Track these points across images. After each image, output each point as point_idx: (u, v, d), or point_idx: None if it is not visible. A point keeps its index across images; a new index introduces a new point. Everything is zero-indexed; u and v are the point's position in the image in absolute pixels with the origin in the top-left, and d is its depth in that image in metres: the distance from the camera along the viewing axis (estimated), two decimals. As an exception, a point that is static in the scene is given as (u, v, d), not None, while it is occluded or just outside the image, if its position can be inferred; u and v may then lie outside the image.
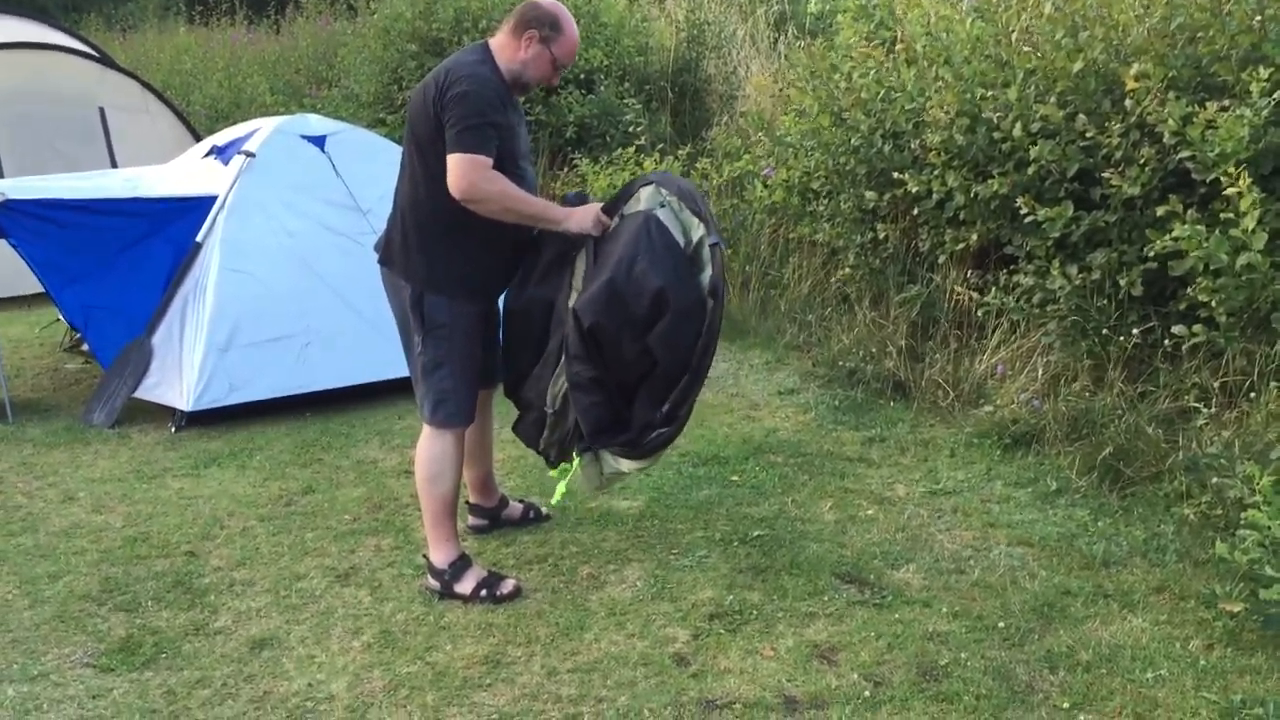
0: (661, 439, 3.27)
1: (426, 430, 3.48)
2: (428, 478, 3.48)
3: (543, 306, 3.44)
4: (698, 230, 3.30)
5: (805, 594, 3.52)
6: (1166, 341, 4.41)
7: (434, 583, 3.55)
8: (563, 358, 3.34)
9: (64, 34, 9.23)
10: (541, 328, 3.46)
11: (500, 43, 3.40)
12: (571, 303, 3.32)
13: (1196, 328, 4.16)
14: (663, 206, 3.34)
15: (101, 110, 8.26)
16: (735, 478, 4.50)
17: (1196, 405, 4.16)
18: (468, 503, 4.00)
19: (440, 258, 3.36)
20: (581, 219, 3.37)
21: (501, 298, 3.58)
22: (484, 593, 3.49)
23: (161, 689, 3.07)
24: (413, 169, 3.39)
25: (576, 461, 3.46)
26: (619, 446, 3.30)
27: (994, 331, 5.20)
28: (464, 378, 3.43)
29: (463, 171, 3.19)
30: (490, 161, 3.22)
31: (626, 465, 3.37)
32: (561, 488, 3.55)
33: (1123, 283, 4.61)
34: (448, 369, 3.41)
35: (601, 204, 3.45)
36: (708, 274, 3.25)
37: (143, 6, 19.60)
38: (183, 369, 5.19)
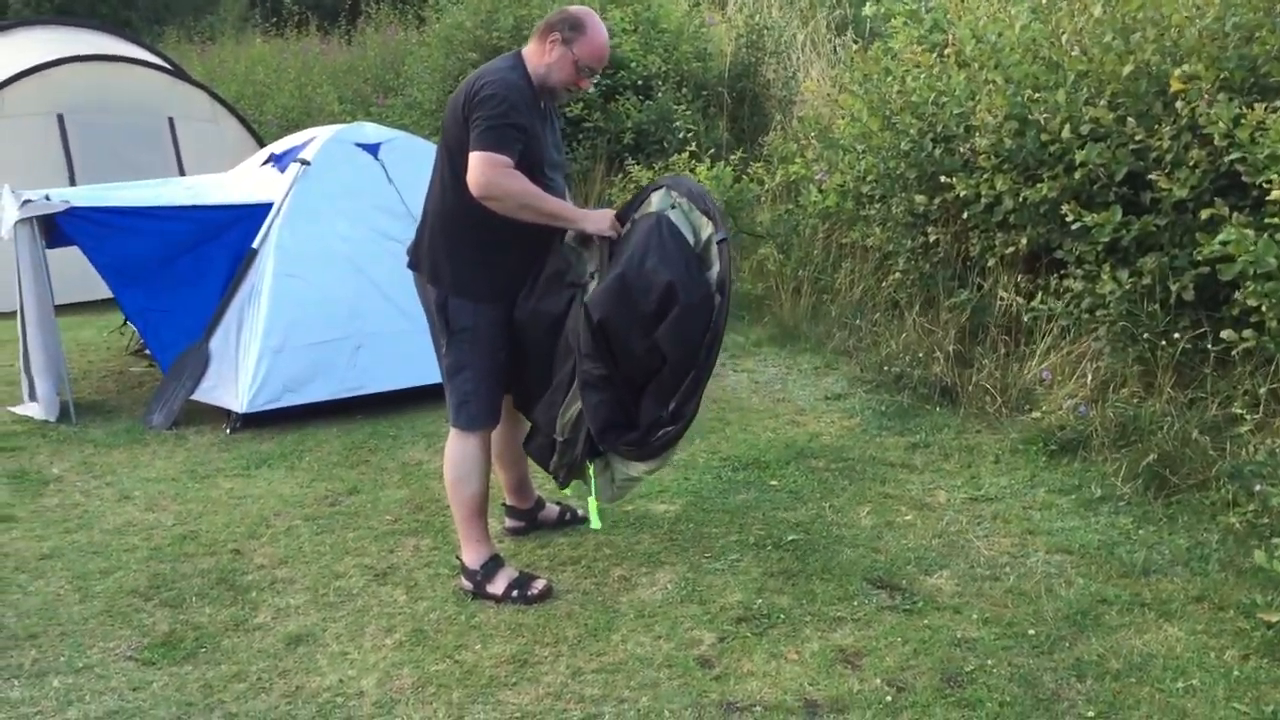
0: (668, 437, 3.29)
1: (452, 432, 3.54)
2: (455, 479, 3.54)
3: (548, 321, 3.44)
4: (707, 229, 3.33)
5: (835, 599, 3.51)
6: (1216, 347, 4.32)
7: (467, 583, 3.60)
8: (573, 386, 3.36)
9: (137, 47, 9.51)
10: (548, 344, 3.45)
11: (530, 49, 3.45)
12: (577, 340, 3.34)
13: (1246, 333, 4.06)
14: (673, 208, 3.38)
15: (171, 120, 8.52)
16: (774, 482, 4.50)
17: (1243, 413, 4.06)
18: (504, 505, 4.06)
19: (464, 262, 3.41)
20: (598, 221, 3.40)
21: None
22: (515, 593, 3.54)
23: (199, 682, 3.15)
24: (441, 174, 3.45)
25: (591, 476, 3.49)
26: (626, 446, 3.33)
27: (1043, 337, 5.13)
28: (487, 381, 3.48)
29: (482, 168, 3.23)
30: (510, 161, 3.25)
31: (638, 469, 3.40)
32: (594, 507, 3.57)
33: (1174, 287, 4.53)
34: (470, 372, 3.46)
35: (616, 209, 3.49)
36: (715, 270, 3.28)
37: (222, 19, 20.09)
38: (238, 372, 5.33)
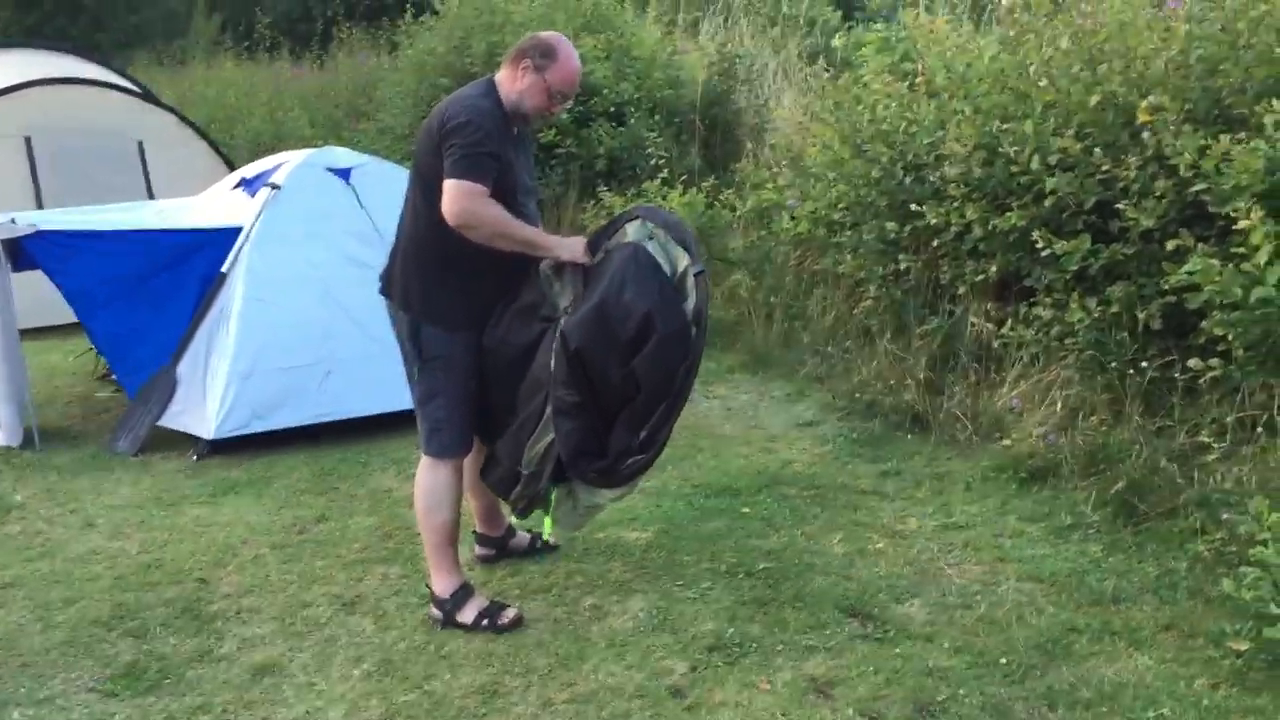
0: (638, 465, 3.29)
1: (424, 461, 3.52)
2: (426, 508, 3.51)
3: (516, 352, 3.42)
4: (683, 260, 3.34)
5: (807, 627, 3.50)
6: (1183, 376, 4.36)
7: (437, 612, 3.57)
8: (543, 419, 3.35)
9: (107, 70, 9.44)
10: (512, 375, 3.43)
11: (502, 76, 3.45)
12: (551, 364, 3.32)
13: (1213, 361, 4.09)
14: (650, 239, 3.38)
15: (140, 144, 8.45)
16: (747, 509, 4.49)
17: (1211, 441, 4.09)
18: (474, 532, 4.02)
19: (437, 289, 3.40)
20: (572, 248, 3.41)
21: None
22: (485, 622, 3.51)
23: (163, 714, 3.11)
24: (414, 201, 3.44)
25: (552, 500, 3.49)
26: (595, 473, 3.32)
27: (1013, 365, 5.16)
28: (459, 408, 3.46)
29: (457, 197, 3.23)
30: (486, 189, 3.25)
31: (604, 496, 3.41)
32: (548, 523, 3.56)
33: (1141, 316, 4.56)
34: (442, 399, 3.44)
35: (589, 237, 3.49)
36: (691, 302, 3.29)
37: (193, 42, 20.02)
38: (206, 397, 5.27)
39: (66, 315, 5.84)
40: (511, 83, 3.42)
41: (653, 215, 3.47)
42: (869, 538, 4.19)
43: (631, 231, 3.43)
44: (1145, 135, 4.52)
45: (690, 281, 3.32)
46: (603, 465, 3.31)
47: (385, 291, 3.56)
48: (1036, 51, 5.32)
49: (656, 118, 9.27)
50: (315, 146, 7.31)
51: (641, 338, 3.21)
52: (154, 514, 4.56)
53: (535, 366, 3.38)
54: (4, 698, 3.18)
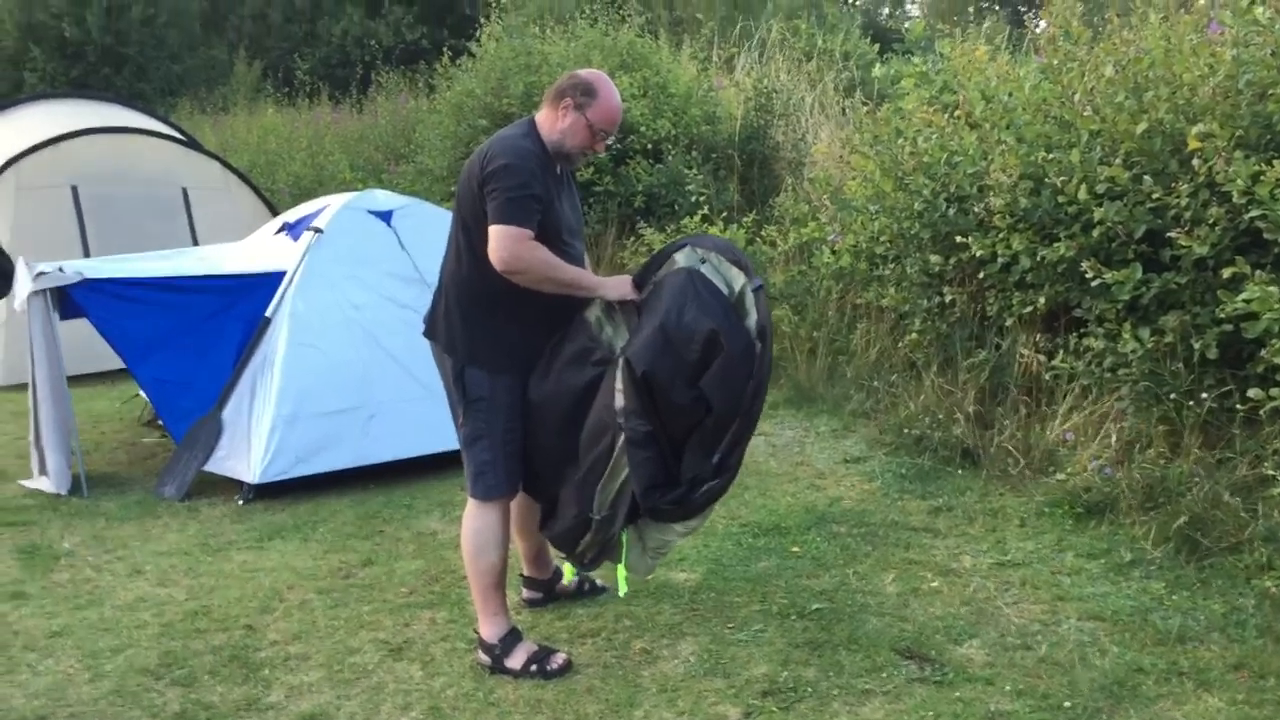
0: (713, 491, 3.25)
1: (471, 503, 3.48)
2: (473, 551, 3.47)
3: (570, 400, 3.37)
4: (739, 279, 3.32)
5: (863, 670, 3.42)
6: (1243, 406, 4.25)
7: (485, 657, 3.52)
8: (610, 462, 3.30)
9: (151, 118, 9.59)
10: (570, 424, 3.38)
11: (542, 116, 3.44)
12: (618, 405, 3.27)
13: (1274, 391, 3.99)
14: (703, 263, 3.36)
15: (184, 191, 8.56)
16: (796, 549, 4.42)
17: (1275, 473, 3.98)
18: (522, 575, 3.98)
19: (481, 331, 3.38)
20: (619, 287, 3.39)
21: None
22: (534, 667, 3.45)
23: (211, 765, 3.07)
24: (457, 244, 3.43)
25: (624, 545, 3.42)
26: (669, 504, 3.26)
27: (1065, 397, 5.07)
28: (504, 450, 3.43)
29: (503, 243, 3.22)
30: (531, 233, 3.24)
31: (675, 531, 3.37)
32: (621, 573, 3.50)
33: (1196, 346, 4.47)
34: (487, 441, 3.41)
35: (634, 274, 3.46)
36: (753, 319, 3.27)
37: (235, 90, 20.35)
38: (251, 442, 5.28)
39: (113, 361, 5.89)
40: (553, 123, 3.41)
41: (700, 241, 3.45)
42: (923, 576, 4.11)
43: (681, 259, 3.39)
44: (1195, 162, 4.44)
45: (750, 298, 3.29)
46: (677, 495, 3.26)
47: (429, 334, 3.55)
48: (1079, 80, 5.26)
49: (694, 154, 9.28)
50: (356, 189, 7.35)
51: (707, 358, 3.17)
52: (201, 560, 4.55)
53: (596, 409, 3.32)
54: (53, 749, 3.16)
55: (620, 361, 3.25)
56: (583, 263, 3.55)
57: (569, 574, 3.90)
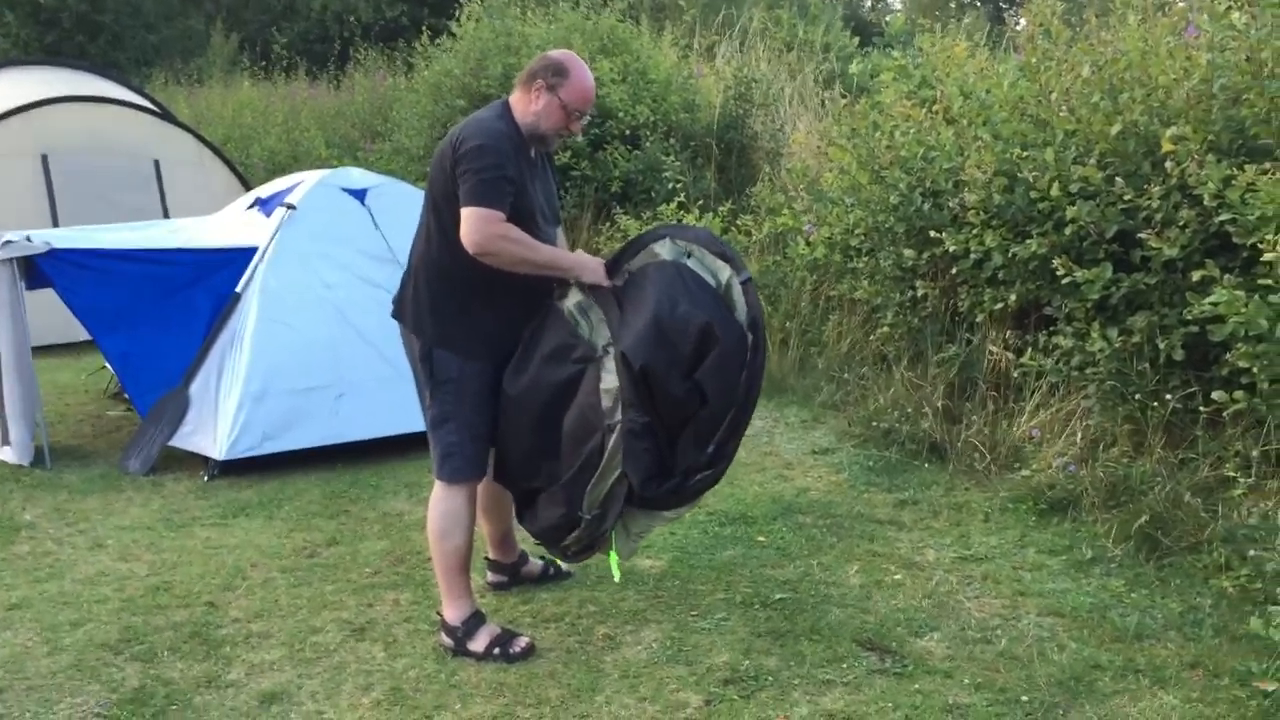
0: (706, 481, 3.30)
1: (437, 486, 3.47)
2: (438, 533, 3.46)
3: (548, 394, 3.35)
4: (725, 271, 3.32)
5: (824, 660, 3.44)
6: (1206, 408, 4.30)
7: (447, 639, 3.52)
8: (602, 462, 3.29)
9: (124, 88, 9.47)
10: (548, 418, 3.36)
11: (515, 98, 3.42)
12: (609, 402, 3.27)
13: (1238, 394, 4.03)
14: (688, 255, 3.35)
15: (156, 163, 8.48)
16: (762, 538, 4.44)
17: (1236, 475, 4.03)
18: (486, 559, 3.98)
19: (450, 313, 3.36)
20: (594, 269, 3.37)
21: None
22: (497, 651, 3.45)
23: (169, 741, 3.05)
24: (427, 225, 3.41)
25: (613, 538, 3.43)
26: (666, 493, 3.28)
27: (1032, 394, 5.10)
28: (472, 433, 3.42)
29: (476, 225, 3.20)
30: (503, 215, 3.22)
31: (665, 516, 3.45)
32: (614, 560, 3.49)
33: (1163, 347, 4.51)
34: (454, 424, 3.40)
35: (606, 259, 3.45)
36: (742, 311, 3.29)
37: (210, 62, 20.13)
38: (217, 418, 5.24)
39: (79, 333, 5.84)
40: (526, 105, 3.39)
41: (681, 233, 3.44)
42: (886, 569, 4.13)
43: (664, 252, 3.38)
44: (1168, 165, 4.47)
45: (737, 290, 3.30)
46: (673, 484, 3.28)
47: (397, 315, 3.53)
48: (1057, 79, 5.29)
49: (672, 141, 9.27)
50: (331, 167, 7.31)
51: (702, 350, 3.19)
52: (163, 535, 4.52)
53: (580, 407, 3.31)
54: (9, 722, 3.14)
55: (615, 355, 3.24)
56: (553, 244, 3.53)
57: (616, 566, 3.80)
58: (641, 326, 3.21)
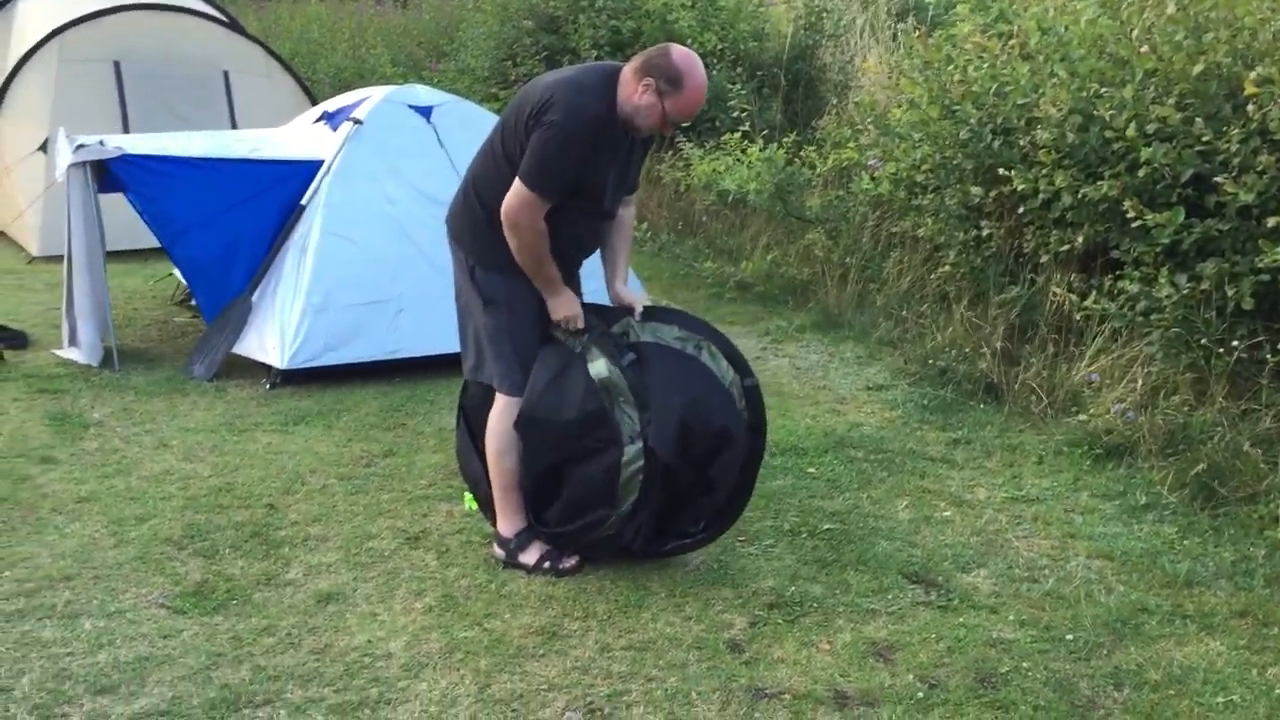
0: (685, 548, 3.61)
1: (499, 400, 3.50)
2: (498, 450, 3.50)
3: (569, 449, 3.46)
4: (730, 374, 3.51)
5: (869, 590, 3.47)
6: (1273, 358, 4.23)
7: (499, 551, 3.59)
8: (620, 482, 3.42)
9: (196, -1, 9.51)
10: (570, 436, 3.44)
11: (625, 76, 3.31)
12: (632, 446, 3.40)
13: (1306, 345, 3.97)
14: (700, 350, 3.51)
15: (226, 74, 8.52)
16: (812, 470, 4.45)
17: (1299, 426, 3.97)
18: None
19: (497, 237, 3.37)
20: (567, 306, 3.46)
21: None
22: (547, 564, 3.52)
23: (229, 634, 3.16)
24: (494, 151, 3.41)
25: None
26: (642, 540, 3.51)
27: (1094, 339, 5.04)
28: (527, 348, 3.46)
29: (519, 201, 3.26)
30: (546, 205, 3.27)
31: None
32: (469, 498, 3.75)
33: (1231, 294, 4.42)
34: (507, 337, 3.45)
35: (585, 306, 3.54)
36: (745, 414, 3.53)
37: (280, -24, 20.07)
38: (280, 328, 5.32)
39: (148, 240, 5.93)
40: (631, 93, 3.28)
41: (694, 326, 3.57)
42: (935, 505, 4.14)
43: (676, 342, 3.51)
44: (1250, 108, 4.35)
45: (737, 394, 3.51)
46: (676, 545, 3.61)
47: (448, 221, 3.58)
48: (1139, 16, 5.14)
49: (739, 70, 9.15)
50: (397, 84, 7.30)
51: (716, 448, 3.42)
52: (226, 439, 4.63)
53: (592, 481, 3.44)
54: (77, 609, 3.26)
55: (643, 446, 3.36)
56: (595, 229, 3.57)
57: (469, 504, 3.93)
58: (672, 427, 3.35)
